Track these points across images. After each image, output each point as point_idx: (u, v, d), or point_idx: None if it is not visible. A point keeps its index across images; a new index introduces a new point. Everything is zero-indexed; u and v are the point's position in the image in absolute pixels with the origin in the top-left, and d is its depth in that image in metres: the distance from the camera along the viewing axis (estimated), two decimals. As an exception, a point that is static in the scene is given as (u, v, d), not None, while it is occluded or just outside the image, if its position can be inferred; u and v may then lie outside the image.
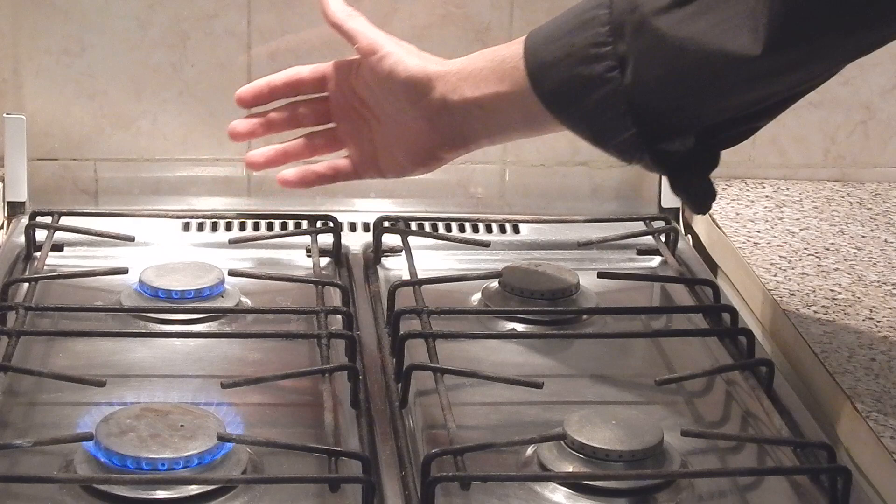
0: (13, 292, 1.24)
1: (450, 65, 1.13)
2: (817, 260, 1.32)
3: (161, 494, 0.96)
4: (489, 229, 1.45)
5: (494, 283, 1.29)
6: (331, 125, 1.23)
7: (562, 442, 1.02)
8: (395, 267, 1.35)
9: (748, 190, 1.50)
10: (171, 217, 1.42)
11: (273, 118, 1.23)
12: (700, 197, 1.09)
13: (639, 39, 1.01)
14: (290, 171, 1.24)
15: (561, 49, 1.05)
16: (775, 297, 1.24)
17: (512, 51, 1.10)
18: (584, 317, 1.27)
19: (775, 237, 1.38)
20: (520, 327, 1.25)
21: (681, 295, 1.32)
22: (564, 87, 1.05)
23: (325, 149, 1.24)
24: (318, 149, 1.24)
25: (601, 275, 1.30)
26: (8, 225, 1.42)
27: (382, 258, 1.37)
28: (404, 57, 1.15)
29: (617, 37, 1.02)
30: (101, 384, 1.07)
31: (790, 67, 1.00)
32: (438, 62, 1.14)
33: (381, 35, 1.18)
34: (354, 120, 1.21)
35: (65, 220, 1.38)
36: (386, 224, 1.39)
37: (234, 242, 1.37)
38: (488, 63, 1.11)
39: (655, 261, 1.41)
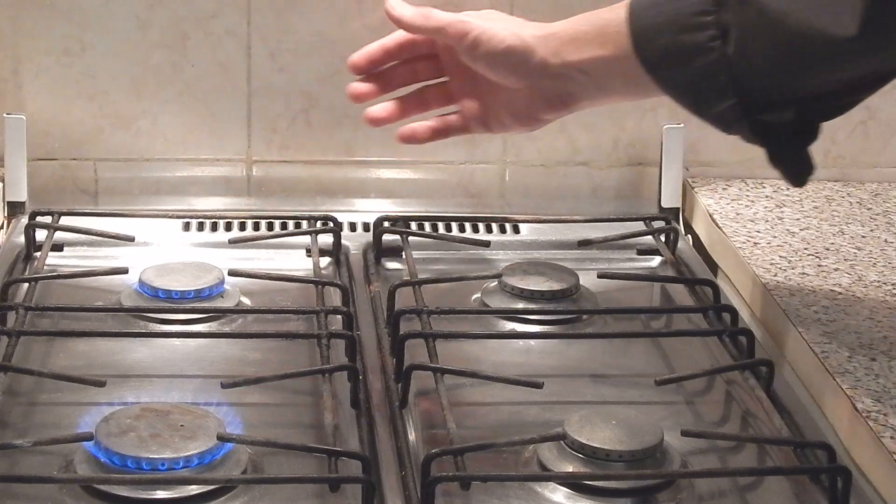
0: (13, 292, 1.24)
1: (549, 28, 1.13)
2: (817, 260, 1.32)
3: (161, 494, 0.96)
4: (489, 229, 1.45)
5: (494, 283, 1.29)
6: (443, 79, 1.23)
7: (562, 442, 1.02)
8: (395, 267, 1.35)
9: (748, 190, 1.50)
10: (171, 217, 1.42)
11: (390, 74, 1.23)
12: (797, 169, 1.09)
13: (741, 10, 1.02)
14: (405, 128, 1.24)
15: (665, 15, 1.06)
16: (775, 297, 1.24)
17: (615, 14, 1.09)
18: (584, 317, 1.27)
19: (775, 237, 1.38)
20: (520, 327, 1.25)
21: (681, 295, 1.32)
22: (667, 54, 1.06)
23: (438, 102, 1.24)
24: (431, 102, 1.24)
25: (601, 275, 1.30)
26: (8, 225, 1.42)
27: (382, 258, 1.37)
28: (496, 30, 1.14)
29: (720, 6, 1.03)
30: (101, 384, 1.07)
31: (886, 47, 1.00)
32: (535, 27, 1.14)
33: (461, 17, 1.17)
34: (464, 79, 1.21)
35: (65, 220, 1.38)
36: (386, 224, 1.39)
37: (234, 242, 1.37)
38: (591, 26, 1.11)
39: (655, 261, 1.41)
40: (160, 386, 1.12)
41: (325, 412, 1.05)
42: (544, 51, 1.12)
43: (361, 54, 1.22)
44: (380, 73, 1.22)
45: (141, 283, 1.25)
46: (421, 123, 1.23)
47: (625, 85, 1.11)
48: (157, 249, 1.37)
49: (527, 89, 1.15)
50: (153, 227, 1.40)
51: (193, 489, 0.96)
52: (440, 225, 1.44)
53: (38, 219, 1.37)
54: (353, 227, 1.44)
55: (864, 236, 1.38)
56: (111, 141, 1.46)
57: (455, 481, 0.97)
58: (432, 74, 1.23)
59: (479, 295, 1.29)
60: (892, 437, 1.01)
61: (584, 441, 1.00)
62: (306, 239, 1.38)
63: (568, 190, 1.50)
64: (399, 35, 1.22)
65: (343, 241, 1.38)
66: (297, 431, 1.07)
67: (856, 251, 1.34)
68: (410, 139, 1.24)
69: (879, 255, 1.34)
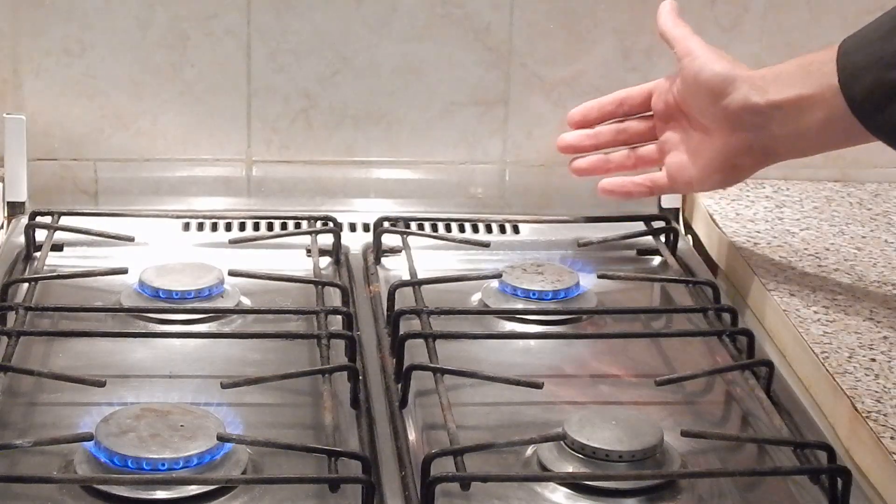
0: (13, 292, 1.24)
1: (759, 70, 1.16)
2: (817, 260, 1.32)
3: (161, 494, 0.96)
4: (489, 229, 1.45)
5: (494, 283, 1.29)
6: (654, 142, 1.27)
7: (562, 442, 1.02)
8: (395, 267, 1.35)
9: (748, 190, 1.50)
10: (171, 217, 1.42)
11: (601, 133, 1.29)
12: None
13: None
14: (609, 181, 1.30)
15: (873, 54, 1.06)
16: (775, 297, 1.24)
17: (822, 54, 1.11)
18: (584, 317, 1.27)
19: (775, 237, 1.38)
20: (520, 327, 1.25)
21: (681, 295, 1.32)
22: (872, 93, 1.06)
23: (647, 162, 1.28)
24: (640, 161, 1.29)
25: (601, 275, 1.30)
26: (8, 225, 1.42)
27: (382, 258, 1.37)
28: (713, 59, 1.18)
29: None
30: (101, 384, 1.07)
31: None
32: (747, 68, 1.17)
33: (698, 41, 1.21)
34: (674, 130, 1.25)
35: (65, 220, 1.38)
36: (386, 224, 1.39)
37: (234, 242, 1.37)
38: (797, 66, 1.13)
39: (655, 261, 1.41)
40: (160, 386, 1.12)
41: (324, 412, 1.05)
42: (749, 86, 1.15)
43: (579, 110, 1.29)
44: (592, 129, 1.29)
45: (141, 283, 1.25)
46: (627, 179, 1.29)
47: (826, 127, 1.11)
48: (157, 249, 1.37)
49: (726, 130, 1.17)
50: (153, 228, 1.40)
51: (193, 489, 0.96)
52: (440, 225, 1.44)
53: (38, 219, 1.37)
54: (353, 227, 1.44)
55: (864, 236, 1.38)
56: (111, 141, 1.46)
57: (455, 481, 0.97)
58: (643, 136, 1.28)
59: (479, 295, 1.29)
60: (892, 438, 1.01)
61: (584, 441, 1.00)
62: (306, 239, 1.38)
63: (568, 190, 1.50)
64: (617, 94, 1.28)
65: (343, 242, 1.38)
66: (297, 431, 1.07)
67: (856, 251, 1.34)
68: (610, 192, 1.29)
69: (879, 255, 1.34)
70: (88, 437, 0.98)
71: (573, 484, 1.00)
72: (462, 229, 1.44)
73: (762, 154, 1.17)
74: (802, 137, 1.14)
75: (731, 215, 1.43)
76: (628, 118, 1.29)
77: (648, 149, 1.28)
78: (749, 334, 1.18)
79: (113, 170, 1.47)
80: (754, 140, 1.16)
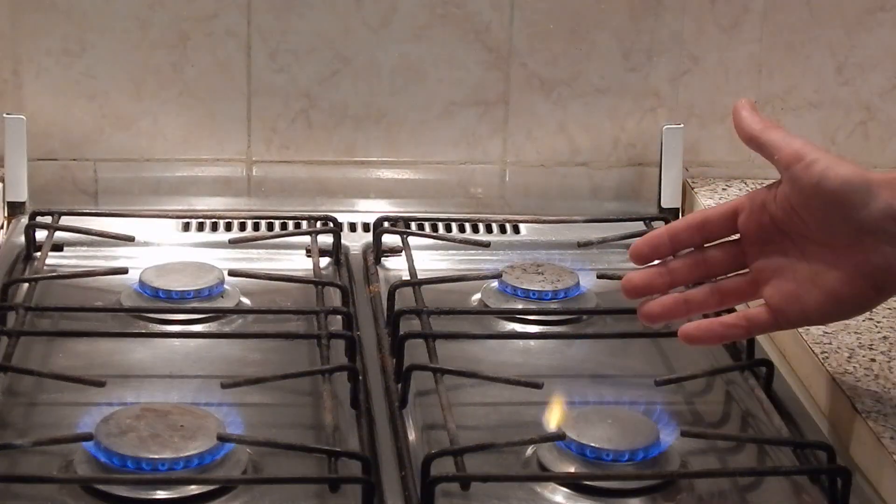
0: (13, 292, 1.24)
1: (890, 173, 0.98)
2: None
3: (161, 494, 0.96)
4: (489, 229, 1.45)
5: (494, 283, 1.29)
6: (742, 271, 1.05)
7: (561, 442, 1.01)
8: (395, 267, 1.35)
9: (748, 190, 1.50)
10: (171, 217, 1.42)
11: (676, 267, 1.05)
12: None
13: None
14: (691, 325, 1.04)
15: None
16: (775, 297, 1.24)
17: None
18: (584, 317, 1.27)
19: (775, 237, 1.37)
20: (520, 327, 1.25)
21: (681, 295, 1.32)
22: None
23: (736, 297, 1.05)
24: (727, 297, 1.05)
25: (601, 275, 1.30)
26: (8, 225, 1.42)
27: (382, 258, 1.37)
28: (836, 162, 0.98)
29: None
30: (101, 384, 1.07)
31: None
32: (880, 172, 0.99)
33: (804, 141, 1.01)
34: (774, 257, 1.03)
35: (65, 220, 1.38)
36: (386, 224, 1.39)
37: (234, 242, 1.37)
38: None
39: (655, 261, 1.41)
40: (160, 386, 1.12)
41: (324, 412, 1.05)
42: (890, 195, 0.96)
43: (644, 241, 1.05)
44: (663, 263, 1.06)
45: (141, 283, 1.25)
46: (716, 320, 1.05)
47: None
48: (157, 249, 1.37)
49: (860, 249, 0.98)
50: (153, 227, 1.40)
51: (193, 489, 0.96)
52: (440, 225, 1.44)
53: (38, 219, 1.37)
54: (353, 227, 1.44)
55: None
56: (111, 141, 1.46)
57: (455, 481, 0.97)
58: (728, 267, 1.05)
59: (479, 295, 1.29)
60: (892, 438, 1.01)
61: (583, 441, 1.00)
62: (306, 239, 1.38)
63: (568, 190, 1.50)
64: (691, 217, 1.06)
65: (343, 242, 1.38)
66: (297, 432, 1.07)
67: (856, 251, 1.34)
68: (699, 340, 1.04)
69: (879, 255, 1.33)
70: (88, 437, 0.98)
71: (573, 484, 1.00)
72: (462, 229, 1.44)
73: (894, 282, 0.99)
74: None
75: (731, 215, 1.43)
76: (706, 246, 1.05)
77: (735, 281, 1.04)
78: (749, 334, 1.18)
79: (113, 170, 1.47)
80: (887, 263, 0.98)
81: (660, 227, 1.06)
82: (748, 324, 1.03)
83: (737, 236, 1.04)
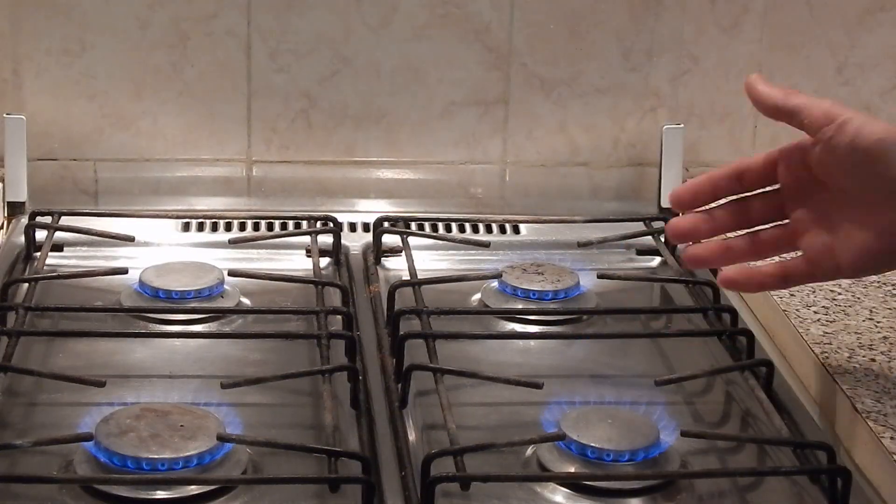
0: (13, 292, 1.24)
1: None
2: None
3: (161, 494, 0.96)
4: (489, 229, 1.45)
5: (494, 283, 1.29)
6: (782, 222, 1.06)
7: (561, 442, 1.01)
8: (395, 267, 1.35)
9: (748, 190, 1.50)
10: (171, 217, 1.42)
11: (719, 215, 1.07)
12: None
13: None
14: (732, 270, 1.08)
15: None
16: (775, 297, 1.24)
17: None
18: (584, 317, 1.27)
19: (775, 237, 1.37)
20: (520, 327, 1.25)
21: (680, 295, 1.32)
22: None
23: (774, 248, 1.07)
24: (766, 248, 1.07)
25: (601, 275, 1.30)
26: (8, 225, 1.42)
27: (382, 258, 1.37)
28: (869, 121, 0.99)
29: None
30: (101, 384, 1.07)
31: None
32: None
33: (832, 101, 1.01)
34: (810, 208, 1.04)
35: (65, 220, 1.38)
36: (386, 224, 1.39)
37: (234, 242, 1.37)
38: None
39: (655, 261, 1.41)
40: (160, 386, 1.12)
41: (324, 412, 1.05)
42: None
43: (685, 188, 1.08)
44: (707, 211, 1.07)
45: (141, 283, 1.25)
46: (755, 268, 1.07)
47: None
48: (157, 249, 1.37)
49: (883, 216, 0.99)
50: (153, 227, 1.40)
51: (193, 489, 0.96)
52: (440, 225, 1.44)
53: (38, 219, 1.37)
54: (353, 227, 1.44)
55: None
56: (111, 141, 1.46)
57: (455, 481, 0.97)
58: (769, 215, 1.07)
59: (479, 295, 1.29)
60: (892, 438, 1.01)
61: (583, 441, 1.00)
62: (306, 239, 1.38)
63: (568, 190, 1.50)
64: (731, 165, 1.07)
65: (343, 242, 1.38)
66: (297, 432, 1.07)
67: (856, 251, 1.34)
68: (737, 285, 1.09)
69: (879, 255, 1.33)
70: (88, 437, 0.98)
71: (573, 484, 1.00)
72: (462, 229, 1.44)
73: None
74: None
75: (731, 215, 1.43)
76: (747, 195, 1.07)
77: (774, 231, 1.06)
78: (749, 334, 1.18)
79: (113, 170, 1.47)
80: None
81: (701, 176, 1.07)
82: (785, 272, 1.05)
83: (776, 186, 1.06)
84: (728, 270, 1.08)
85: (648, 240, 1.42)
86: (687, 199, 1.08)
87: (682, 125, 1.49)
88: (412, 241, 1.37)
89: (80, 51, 1.43)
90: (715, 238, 1.08)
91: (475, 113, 1.48)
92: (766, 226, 1.07)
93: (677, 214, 1.48)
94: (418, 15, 1.45)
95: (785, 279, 1.06)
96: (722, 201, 1.08)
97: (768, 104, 1.04)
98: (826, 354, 1.13)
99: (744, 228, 1.07)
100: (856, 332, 1.17)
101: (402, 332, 1.16)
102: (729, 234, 1.09)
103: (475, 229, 1.45)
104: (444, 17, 1.45)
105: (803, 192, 1.04)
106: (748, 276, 1.07)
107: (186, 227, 1.42)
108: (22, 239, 1.36)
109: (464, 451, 0.99)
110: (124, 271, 1.28)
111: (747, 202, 1.07)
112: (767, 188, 1.07)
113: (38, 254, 1.32)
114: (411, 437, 1.06)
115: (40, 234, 1.36)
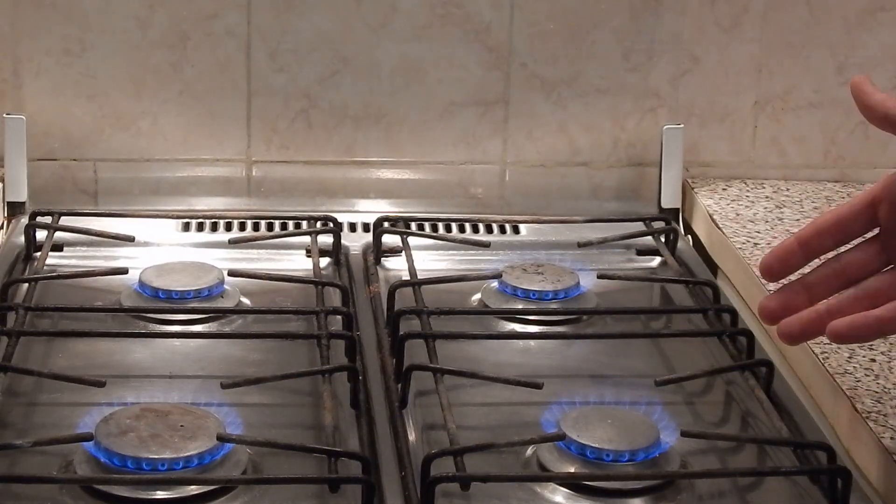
0: (13, 292, 1.24)
1: None
2: (817, 261, 1.32)
3: (161, 494, 0.96)
4: (489, 229, 1.45)
5: (494, 284, 1.29)
6: (889, 267, 0.95)
7: (561, 442, 1.01)
8: (395, 267, 1.35)
9: (748, 190, 1.50)
10: (171, 217, 1.42)
11: (812, 281, 0.96)
12: None
13: None
14: (842, 324, 0.92)
15: None
16: (775, 297, 1.24)
17: None
18: (584, 317, 1.27)
19: (775, 237, 1.38)
20: (520, 327, 1.25)
21: (681, 295, 1.32)
22: None
23: (887, 298, 0.93)
24: (877, 300, 0.93)
25: (601, 275, 1.30)
26: (8, 225, 1.42)
27: (382, 258, 1.37)
28: None
29: None
30: (101, 384, 1.07)
31: None
32: None
33: None
34: None
35: (65, 221, 1.38)
36: (386, 224, 1.39)
37: (234, 242, 1.37)
38: None
39: (655, 261, 1.41)
40: (160, 386, 1.12)
41: (324, 412, 1.05)
42: None
43: (774, 255, 0.95)
44: (799, 280, 0.97)
45: (141, 283, 1.25)
46: (867, 315, 0.92)
47: None
48: (157, 249, 1.37)
49: None
50: (153, 228, 1.40)
51: (193, 489, 0.96)
52: (440, 225, 1.44)
53: (38, 219, 1.37)
54: (353, 227, 1.44)
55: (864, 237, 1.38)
56: (111, 141, 1.46)
57: (455, 481, 0.97)
58: (869, 267, 0.95)
59: (479, 295, 1.29)
60: (892, 438, 1.01)
61: (583, 441, 1.00)
62: (306, 239, 1.38)
63: (568, 190, 1.50)
64: (821, 219, 0.96)
65: (343, 242, 1.38)
66: (297, 432, 1.07)
67: (856, 251, 1.33)
68: (847, 338, 0.93)
69: (879, 255, 1.33)
70: (88, 438, 0.98)
71: (573, 484, 1.00)
72: (462, 229, 1.44)
73: None
74: None
75: (731, 216, 1.43)
76: (841, 252, 0.96)
77: (881, 279, 0.94)
78: (749, 334, 1.18)
79: (113, 170, 1.47)
80: None
81: (788, 238, 0.96)
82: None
83: (874, 232, 0.96)
84: (838, 325, 0.92)
85: (648, 240, 1.42)
86: (777, 268, 0.96)
87: (682, 125, 1.49)
88: (412, 241, 1.37)
89: (80, 51, 1.43)
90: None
91: (475, 113, 1.48)
92: (870, 279, 0.95)
93: (677, 214, 1.50)
94: (418, 15, 1.45)
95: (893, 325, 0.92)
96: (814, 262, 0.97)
97: (878, 112, 0.93)
98: (826, 354, 1.13)
99: (842, 289, 0.96)
100: (856, 333, 1.17)
101: (402, 332, 1.16)
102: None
103: (475, 229, 1.45)
104: (444, 17, 1.45)
105: None
106: (863, 324, 0.92)
107: (186, 227, 1.42)
108: (22, 239, 1.36)
109: (464, 451, 0.99)
110: (124, 271, 1.28)
111: (843, 258, 0.96)
112: (863, 237, 0.96)
113: (38, 254, 1.32)
114: (411, 437, 1.06)
115: (40, 234, 1.36)
